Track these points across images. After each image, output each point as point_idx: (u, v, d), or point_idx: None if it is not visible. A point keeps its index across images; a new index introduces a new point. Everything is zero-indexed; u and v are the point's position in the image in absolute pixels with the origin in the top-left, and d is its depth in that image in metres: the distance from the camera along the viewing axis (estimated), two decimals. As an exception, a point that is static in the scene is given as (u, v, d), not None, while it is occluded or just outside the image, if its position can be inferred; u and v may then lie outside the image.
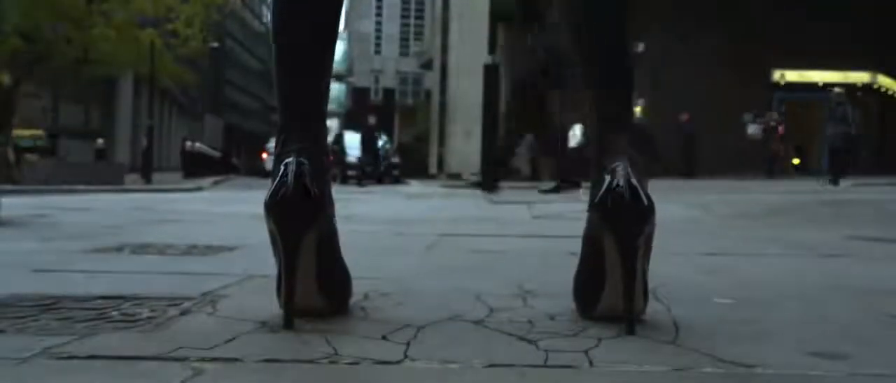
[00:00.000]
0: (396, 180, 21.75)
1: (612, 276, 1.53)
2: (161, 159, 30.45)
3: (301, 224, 1.50)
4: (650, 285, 1.70)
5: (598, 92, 1.66)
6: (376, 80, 66.32)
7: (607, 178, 1.49)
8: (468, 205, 8.17)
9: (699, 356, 1.37)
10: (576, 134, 19.35)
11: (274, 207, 1.49)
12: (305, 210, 1.50)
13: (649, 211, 1.49)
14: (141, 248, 3.09)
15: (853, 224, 5.05)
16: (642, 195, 1.48)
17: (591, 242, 1.60)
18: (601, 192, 1.50)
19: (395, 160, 23.76)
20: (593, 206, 1.54)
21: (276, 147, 1.59)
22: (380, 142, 22.29)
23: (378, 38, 68.34)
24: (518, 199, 8.87)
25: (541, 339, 1.47)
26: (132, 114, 31.31)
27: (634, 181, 1.47)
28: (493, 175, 13.89)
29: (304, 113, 1.61)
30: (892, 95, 20.75)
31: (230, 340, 1.43)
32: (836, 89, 14.51)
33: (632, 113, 1.72)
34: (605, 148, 1.57)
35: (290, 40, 1.64)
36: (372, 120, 22.45)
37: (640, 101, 19.89)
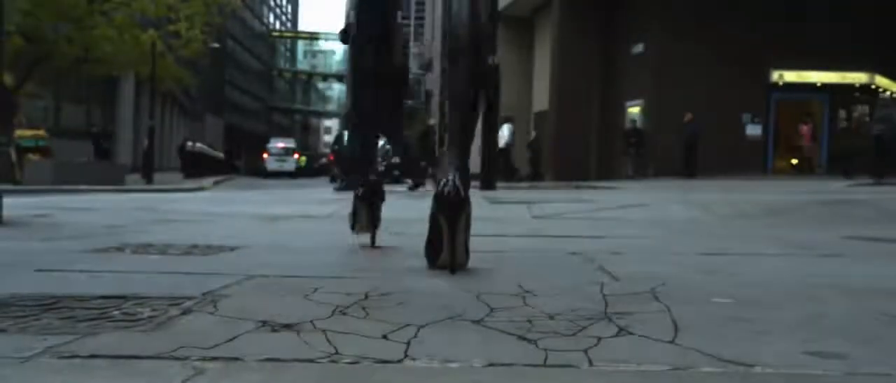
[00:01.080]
0: (397, 180, 21.69)
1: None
2: (162, 159, 30.45)
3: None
4: (650, 285, 1.71)
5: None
6: (377, 81, 66.16)
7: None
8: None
9: (699, 355, 1.37)
10: (504, 134, 19.32)
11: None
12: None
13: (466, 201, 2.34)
14: (142, 248, 3.09)
15: (853, 224, 5.06)
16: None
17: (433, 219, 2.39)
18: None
19: (396, 160, 23.60)
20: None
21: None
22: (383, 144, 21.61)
23: (379, 38, 68.21)
24: (518, 199, 8.87)
25: (540, 339, 1.48)
26: (133, 114, 31.30)
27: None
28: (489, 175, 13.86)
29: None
30: (890, 96, 20.75)
31: (231, 339, 1.44)
32: (886, 94, 15.43)
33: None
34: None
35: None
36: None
37: (640, 101, 19.89)
